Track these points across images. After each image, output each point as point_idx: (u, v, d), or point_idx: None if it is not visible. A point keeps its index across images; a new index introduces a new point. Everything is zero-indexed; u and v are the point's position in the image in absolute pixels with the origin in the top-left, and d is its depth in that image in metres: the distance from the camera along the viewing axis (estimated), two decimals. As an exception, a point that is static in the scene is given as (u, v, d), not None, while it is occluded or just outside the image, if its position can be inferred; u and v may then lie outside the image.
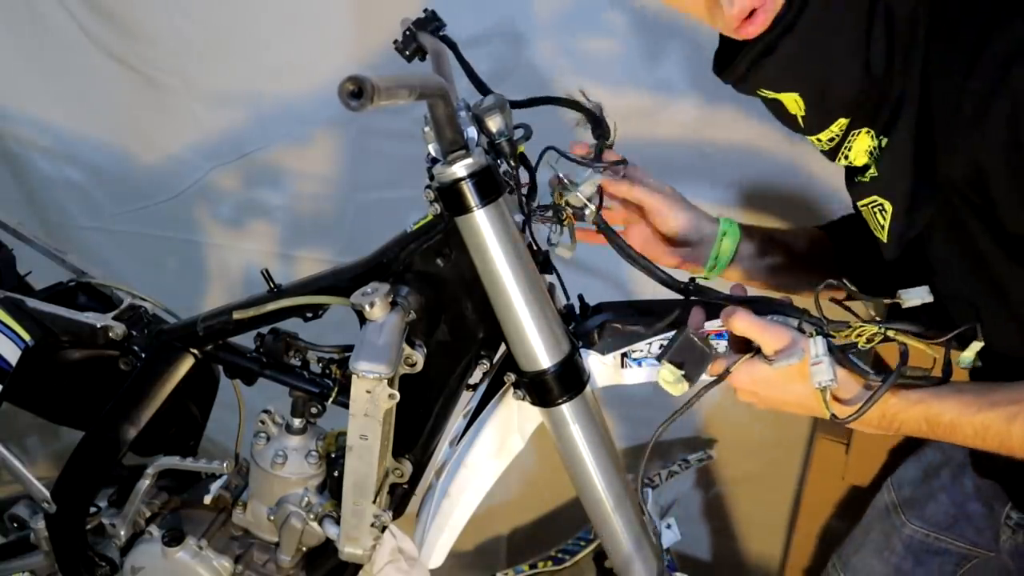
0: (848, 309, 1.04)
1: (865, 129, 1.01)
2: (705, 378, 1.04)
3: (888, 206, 1.02)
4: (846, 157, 1.05)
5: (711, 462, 1.95)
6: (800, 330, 0.99)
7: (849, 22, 0.93)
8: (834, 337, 0.96)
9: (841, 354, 0.96)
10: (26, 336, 1.28)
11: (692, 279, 1.10)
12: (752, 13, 0.94)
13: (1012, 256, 0.93)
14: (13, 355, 1.27)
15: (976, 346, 0.96)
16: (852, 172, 1.07)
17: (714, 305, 1.06)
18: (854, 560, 1.51)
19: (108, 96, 1.93)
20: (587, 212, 1.13)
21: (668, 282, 1.09)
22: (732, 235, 1.25)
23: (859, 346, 0.96)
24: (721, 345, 1.06)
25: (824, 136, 1.04)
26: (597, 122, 1.17)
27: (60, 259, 1.50)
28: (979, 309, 1.00)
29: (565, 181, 1.13)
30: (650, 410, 1.98)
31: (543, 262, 1.17)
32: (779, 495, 2.09)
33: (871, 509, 1.48)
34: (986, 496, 1.31)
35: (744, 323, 0.99)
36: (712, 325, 1.06)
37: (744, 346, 1.02)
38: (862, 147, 1.03)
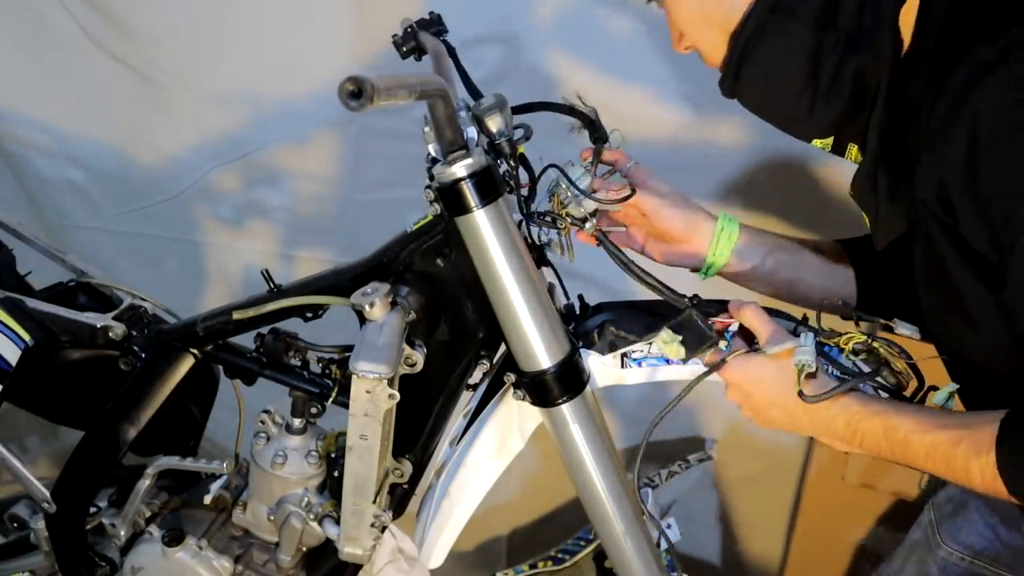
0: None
1: (856, 147, 1.06)
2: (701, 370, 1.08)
3: (865, 217, 1.07)
4: (849, 158, 1.09)
5: (711, 462, 1.95)
6: (795, 333, 1.03)
7: (790, 74, 0.99)
8: (825, 343, 1.02)
9: (825, 355, 1.01)
10: (26, 336, 1.28)
11: (695, 295, 1.11)
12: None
13: (977, 273, 0.94)
14: (13, 355, 1.27)
15: (952, 387, 0.99)
16: None
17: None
18: None
19: (108, 96, 1.93)
20: (587, 225, 1.13)
21: (669, 295, 1.10)
22: (729, 232, 1.23)
23: (843, 348, 1.01)
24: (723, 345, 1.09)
25: (817, 145, 1.07)
26: (593, 126, 1.17)
27: (60, 259, 1.50)
28: (948, 331, 1.03)
29: (567, 193, 1.13)
30: (650, 410, 1.99)
31: (538, 258, 1.17)
32: (779, 495, 2.09)
33: (913, 530, 1.46)
34: (1016, 521, 1.30)
35: (752, 313, 1.05)
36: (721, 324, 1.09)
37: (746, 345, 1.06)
38: (856, 155, 1.07)
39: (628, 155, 1.21)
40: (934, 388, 1.03)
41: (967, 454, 0.90)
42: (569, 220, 1.13)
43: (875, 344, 1.01)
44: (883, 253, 1.14)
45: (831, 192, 1.69)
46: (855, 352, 1.03)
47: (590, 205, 1.13)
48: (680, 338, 1.06)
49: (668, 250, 1.24)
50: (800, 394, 0.98)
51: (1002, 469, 0.88)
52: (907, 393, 1.04)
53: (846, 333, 1.02)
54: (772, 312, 1.09)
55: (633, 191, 1.16)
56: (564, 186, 1.13)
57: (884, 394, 1.04)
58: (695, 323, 1.06)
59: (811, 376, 0.99)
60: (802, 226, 1.75)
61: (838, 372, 1.03)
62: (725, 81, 1.06)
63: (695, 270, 1.24)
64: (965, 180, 0.86)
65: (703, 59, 1.09)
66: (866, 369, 1.03)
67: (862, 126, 1.01)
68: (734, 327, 1.09)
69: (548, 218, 1.13)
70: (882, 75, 0.96)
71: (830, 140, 1.06)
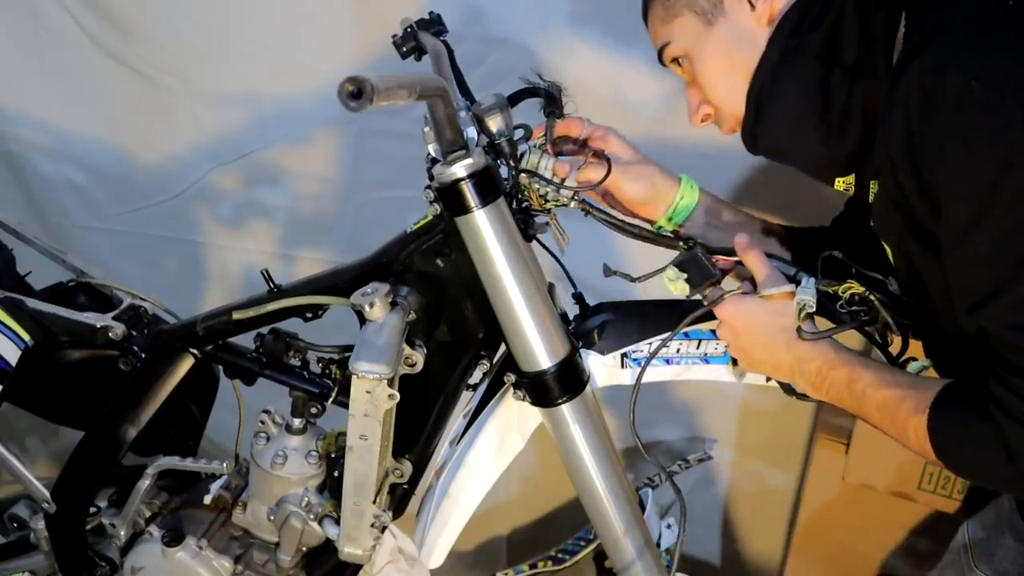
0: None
1: (874, 181, 1.07)
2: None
3: (888, 248, 1.07)
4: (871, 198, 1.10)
5: (711, 462, 1.95)
6: (796, 280, 1.07)
7: (804, 111, 1.03)
8: (824, 290, 1.07)
9: (823, 303, 1.06)
10: (26, 336, 1.28)
11: (691, 238, 1.14)
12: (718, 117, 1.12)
13: (933, 256, 0.95)
14: (13, 355, 1.27)
15: (927, 362, 1.05)
16: None
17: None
18: None
19: (108, 96, 1.93)
20: (571, 204, 1.13)
21: (668, 242, 1.14)
22: (689, 198, 1.25)
23: (840, 296, 1.06)
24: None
25: (839, 186, 1.10)
26: (551, 99, 1.16)
27: (60, 259, 1.50)
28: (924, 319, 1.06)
29: (544, 188, 1.13)
30: (650, 410, 1.99)
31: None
32: (779, 495, 2.09)
33: (947, 554, 1.46)
34: None
35: (755, 255, 1.09)
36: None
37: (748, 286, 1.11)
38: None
39: (582, 119, 1.21)
40: (913, 359, 1.07)
41: (907, 411, 0.95)
42: (553, 208, 1.14)
43: (871, 296, 1.05)
44: (818, 248, 1.17)
45: (828, 192, 1.69)
46: (850, 302, 1.07)
47: (568, 193, 1.13)
48: (685, 275, 1.10)
49: (629, 209, 1.27)
50: (799, 330, 1.03)
51: (931, 430, 0.93)
52: (892, 349, 1.08)
53: (845, 283, 1.07)
54: (772, 258, 1.13)
55: (609, 169, 1.16)
56: (537, 184, 1.12)
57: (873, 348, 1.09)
58: (700, 260, 1.10)
59: (809, 317, 1.04)
60: (798, 222, 1.75)
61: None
62: (745, 131, 1.09)
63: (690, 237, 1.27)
64: (905, 156, 0.90)
65: (722, 124, 1.13)
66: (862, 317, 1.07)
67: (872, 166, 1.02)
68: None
69: (532, 211, 1.15)
70: (883, 96, 0.96)
71: (852, 179, 1.08)
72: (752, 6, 1.06)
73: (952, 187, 0.87)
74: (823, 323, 1.08)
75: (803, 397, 1.10)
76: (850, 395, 1.02)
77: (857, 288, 1.06)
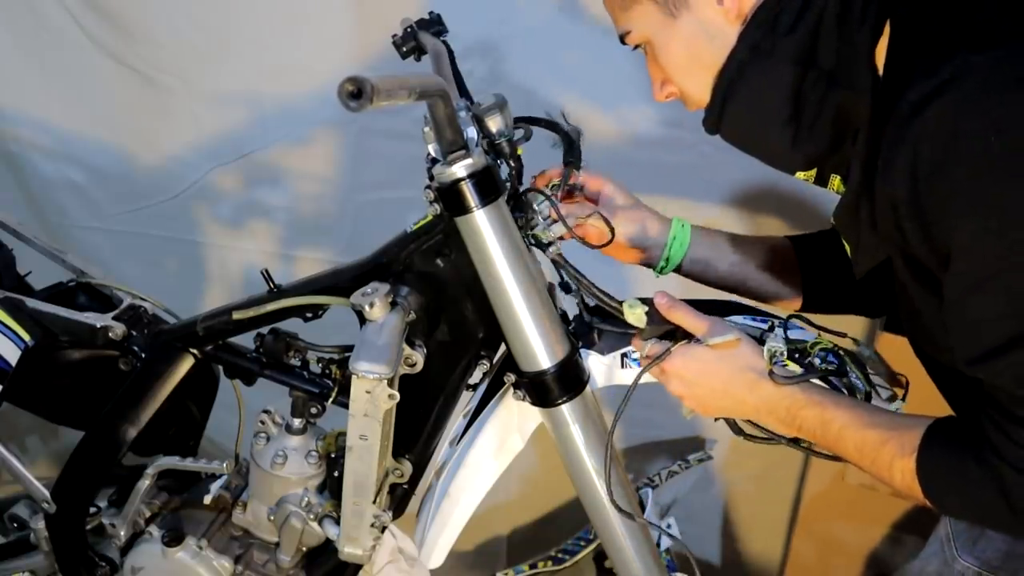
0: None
1: (838, 177, 1.08)
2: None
3: (847, 245, 1.07)
4: (831, 188, 1.12)
5: (711, 462, 1.95)
6: (762, 341, 1.07)
7: (773, 111, 1.01)
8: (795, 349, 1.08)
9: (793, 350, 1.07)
10: (26, 336, 1.28)
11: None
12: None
13: (930, 291, 0.94)
14: (13, 355, 1.27)
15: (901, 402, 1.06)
16: None
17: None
18: None
19: (108, 96, 1.93)
20: (550, 249, 1.12)
21: (618, 311, 1.12)
22: (682, 238, 1.27)
23: (809, 353, 1.07)
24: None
25: (800, 177, 1.10)
26: (571, 146, 1.17)
27: (60, 259, 1.50)
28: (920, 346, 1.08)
29: (538, 218, 1.13)
30: (650, 410, 1.99)
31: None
32: (779, 495, 2.09)
33: (930, 543, 1.45)
34: None
35: (683, 312, 1.09)
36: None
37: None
38: (839, 186, 1.10)
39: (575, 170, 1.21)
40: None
41: (892, 454, 0.95)
42: (532, 243, 1.12)
43: (841, 352, 1.07)
44: (827, 252, 1.20)
45: (826, 192, 1.69)
46: (822, 350, 1.08)
47: (559, 230, 1.13)
48: (646, 308, 1.09)
49: (628, 251, 1.28)
50: (771, 373, 1.03)
51: (920, 473, 0.93)
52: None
53: (815, 339, 1.09)
54: (752, 311, 1.14)
55: (612, 236, 1.18)
56: (536, 210, 1.12)
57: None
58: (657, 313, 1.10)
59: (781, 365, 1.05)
60: (796, 224, 1.75)
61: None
62: (709, 119, 1.08)
63: (651, 267, 1.30)
64: (910, 205, 0.88)
65: (685, 103, 1.11)
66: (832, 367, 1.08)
67: (844, 158, 1.02)
68: None
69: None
70: (862, 107, 0.96)
71: (813, 172, 1.09)
72: (719, 0, 1.01)
73: (965, 244, 0.85)
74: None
75: (750, 437, 1.12)
76: (823, 434, 1.02)
77: (827, 344, 1.08)
